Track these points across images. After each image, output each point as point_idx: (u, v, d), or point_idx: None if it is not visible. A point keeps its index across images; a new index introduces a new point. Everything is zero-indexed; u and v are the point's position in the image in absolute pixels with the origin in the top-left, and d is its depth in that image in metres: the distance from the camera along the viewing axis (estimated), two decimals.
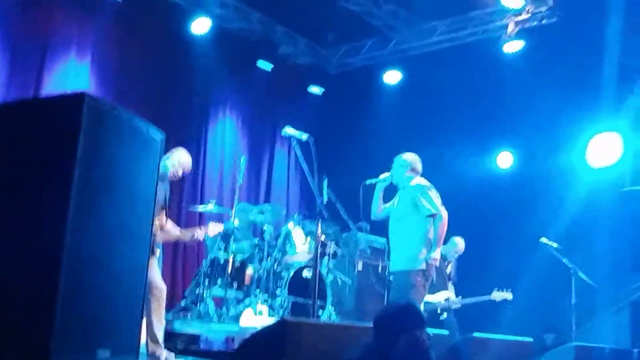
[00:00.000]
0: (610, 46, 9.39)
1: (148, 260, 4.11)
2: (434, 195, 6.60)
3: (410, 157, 6.91)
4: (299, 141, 6.09)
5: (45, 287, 3.28)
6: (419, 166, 6.90)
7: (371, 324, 3.81)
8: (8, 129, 3.70)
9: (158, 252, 6.10)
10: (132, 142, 3.92)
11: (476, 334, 5.90)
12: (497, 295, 8.95)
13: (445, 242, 9.12)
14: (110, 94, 9.39)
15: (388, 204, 6.91)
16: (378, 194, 6.91)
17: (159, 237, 6.05)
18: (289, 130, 6.00)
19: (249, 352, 3.95)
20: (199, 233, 6.56)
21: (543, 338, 10.06)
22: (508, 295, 8.97)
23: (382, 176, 6.89)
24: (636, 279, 9.96)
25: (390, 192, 7.03)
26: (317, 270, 5.48)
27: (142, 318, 4.03)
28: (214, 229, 6.71)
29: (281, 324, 3.98)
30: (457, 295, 9.23)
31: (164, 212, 6.16)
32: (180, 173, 6.28)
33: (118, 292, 3.74)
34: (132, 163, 3.91)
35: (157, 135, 4.17)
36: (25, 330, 3.29)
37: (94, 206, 3.57)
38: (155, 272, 5.91)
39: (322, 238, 8.75)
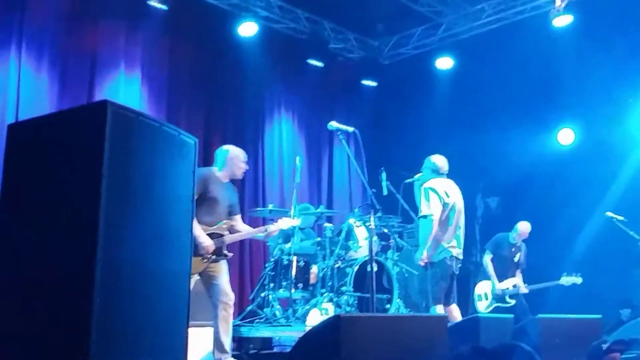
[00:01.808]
0: None
1: (190, 265, 4.11)
2: (434, 197, 6.83)
3: (435, 159, 7.18)
4: (347, 134, 6.14)
5: (79, 298, 3.32)
6: (443, 168, 7.15)
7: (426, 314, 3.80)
8: (37, 143, 3.77)
9: (230, 255, 6.16)
10: (163, 147, 3.92)
11: (541, 315, 5.83)
12: (566, 280, 8.83)
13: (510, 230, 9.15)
14: (162, 105, 9.57)
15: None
16: (418, 191, 7.16)
17: (228, 239, 6.13)
18: (334, 124, 6.03)
19: (305, 351, 3.99)
20: (272, 229, 6.54)
21: (619, 313, 9.89)
22: (577, 279, 8.83)
23: (417, 176, 7.25)
24: None
25: None
26: (372, 263, 5.49)
27: (188, 326, 4.05)
28: (287, 223, 6.72)
29: (335, 320, 4.00)
30: (525, 282, 9.12)
31: (233, 214, 6.28)
32: (236, 168, 6.30)
33: (159, 299, 3.76)
34: (165, 168, 3.92)
35: (190, 139, 4.18)
36: (62, 343, 3.33)
37: (127, 214, 3.61)
38: (224, 279, 6.01)
39: (385, 231, 8.79)
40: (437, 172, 7.06)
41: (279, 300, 8.17)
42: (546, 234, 9.77)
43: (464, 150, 11.62)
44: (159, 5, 9.15)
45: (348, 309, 7.66)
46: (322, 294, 7.89)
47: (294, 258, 8.16)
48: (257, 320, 8.04)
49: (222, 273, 6.05)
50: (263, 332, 7.51)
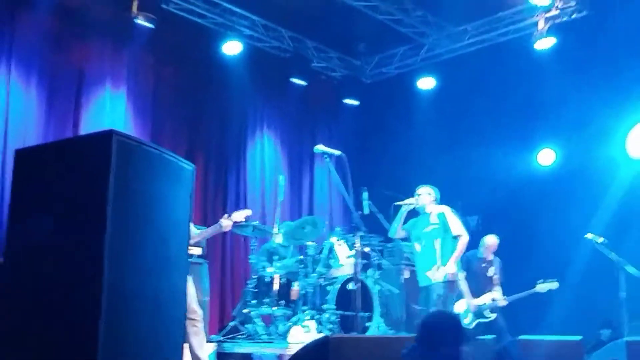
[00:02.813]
0: None
1: (186, 285, 4.19)
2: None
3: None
4: (332, 157, 6.17)
5: (86, 323, 3.38)
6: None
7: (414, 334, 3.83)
8: (42, 171, 3.83)
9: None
10: (163, 174, 4.01)
11: (522, 337, 5.87)
12: (542, 287, 8.85)
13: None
14: (147, 122, 9.62)
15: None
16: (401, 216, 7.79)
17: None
18: (321, 147, 6.08)
19: None
20: (226, 223, 6.63)
21: (599, 334, 9.95)
22: (553, 285, 8.85)
23: (409, 201, 7.77)
24: None
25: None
26: (359, 283, 5.51)
27: (183, 342, 4.12)
28: (239, 215, 6.79)
29: (323, 341, 4.02)
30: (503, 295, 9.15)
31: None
32: None
33: (159, 320, 3.83)
34: (164, 194, 4.01)
35: (187, 166, 4.27)
36: None
37: (131, 239, 3.68)
38: (190, 296, 6.02)
39: (367, 250, 8.84)
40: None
41: (261, 317, 8.20)
42: (525, 253, 9.84)
43: (444, 169, 11.74)
44: (145, 24, 9.18)
45: (330, 326, 7.68)
46: (303, 311, 7.91)
47: (277, 275, 8.20)
48: (238, 336, 8.09)
49: (187, 290, 6.08)
50: (245, 348, 7.57)
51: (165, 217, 4.00)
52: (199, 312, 6.10)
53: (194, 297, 6.13)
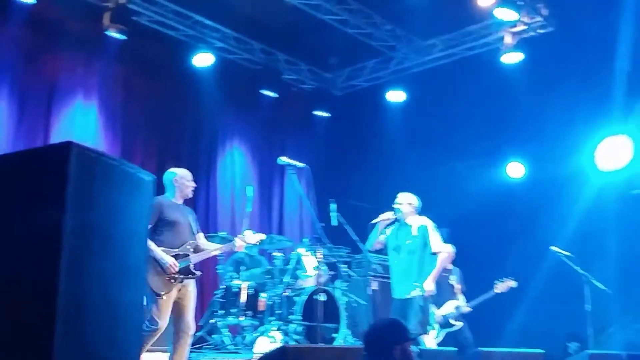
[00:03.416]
0: (617, 50, 9.46)
1: (144, 295, 4.21)
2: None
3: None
4: (296, 168, 6.24)
5: (42, 334, 3.37)
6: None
7: None
8: (1, 182, 3.82)
9: (198, 274, 6.31)
10: (122, 185, 4.02)
11: (482, 348, 5.93)
12: (501, 287, 8.93)
13: None
14: (117, 134, 9.65)
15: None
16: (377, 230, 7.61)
17: (194, 259, 6.25)
18: (284, 159, 6.13)
19: None
20: (239, 243, 6.62)
21: (567, 347, 10.05)
22: (511, 283, 8.93)
23: (385, 216, 7.54)
24: None
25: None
26: (322, 294, 5.55)
27: (141, 353, 4.13)
28: (253, 237, 6.75)
29: (281, 351, 4.06)
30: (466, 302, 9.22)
31: (196, 233, 6.39)
32: (185, 188, 6.41)
33: (117, 331, 3.84)
34: (124, 205, 4.02)
35: (147, 177, 4.27)
36: None
37: (88, 251, 3.68)
38: (190, 311, 6.18)
39: (334, 261, 8.90)
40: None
41: (228, 327, 8.28)
42: (494, 266, 9.92)
43: (414, 181, 11.79)
44: (117, 36, 9.18)
45: (296, 337, 7.71)
46: (270, 322, 7.94)
47: (244, 286, 8.24)
48: (205, 347, 8.09)
49: (190, 304, 6.22)
50: (211, 358, 7.54)
51: (124, 227, 4.00)
52: (193, 328, 6.23)
53: (192, 310, 6.23)
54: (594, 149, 10.43)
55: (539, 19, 9.86)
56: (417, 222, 7.43)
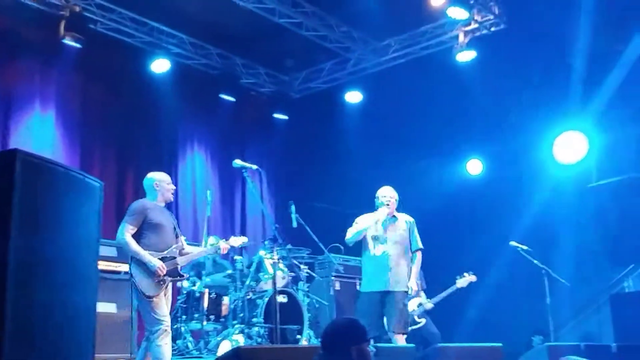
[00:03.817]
0: (567, 46, 9.65)
1: (96, 297, 4.22)
2: None
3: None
4: (250, 171, 6.29)
5: None
6: None
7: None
8: None
9: (185, 276, 6.36)
10: (70, 191, 4.02)
11: (441, 344, 6.01)
12: (462, 282, 9.01)
13: None
14: (76, 143, 9.58)
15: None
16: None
17: (181, 261, 6.29)
18: (239, 162, 6.18)
19: None
20: (223, 246, 6.73)
21: (531, 340, 10.19)
22: (472, 277, 9.03)
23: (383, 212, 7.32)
24: (612, 273, 10.17)
25: None
26: (278, 295, 5.59)
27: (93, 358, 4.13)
28: (237, 240, 6.89)
29: (235, 353, 4.08)
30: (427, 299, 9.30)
31: (178, 236, 6.41)
32: (166, 192, 6.44)
33: (69, 337, 3.83)
34: (71, 211, 4.03)
35: (95, 183, 4.29)
36: None
37: (36, 258, 3.67)
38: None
39: (295, 262, 8.94)
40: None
41: (191, 332, 8.24)
42: (455, 263, 10.03)
43: (374, 180, 11.87)
44: (73, 44, 9.15)
45: (259, 340, 7.72)
46: (233, 326, 7.95)
47: (206, 290, 8.25)
48: None
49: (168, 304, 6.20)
50: None
51: (72, 233, 4.00)
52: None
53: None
54: (551, 144, 10.62)
55: (490, 17, 10.03)
56: (403, 216, 7.45)
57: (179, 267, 6.23)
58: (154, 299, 5.93)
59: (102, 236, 7.77)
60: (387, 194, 7.42)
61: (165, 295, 6.13)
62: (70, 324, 3.88)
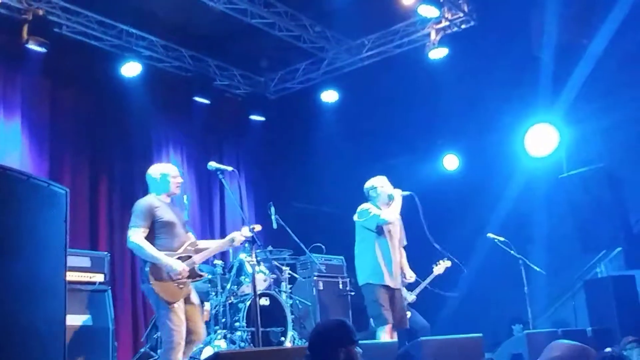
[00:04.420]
0: (535, 40, 9.77)
1: (65, 309, 4.08)
2: None
3: None
4: (226, 173, 6.22)
5: None
6: None
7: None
8: None
9: (204, 275, 6.05)
10: (33, 199, 3.91)
11: (423, 338, 6.03)
12: (439, 269, 8.98)
13: None
14: (44, 150, 9.32)
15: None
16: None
17: (198, 260, 6.00)
18: (213, 164, 6.09)
19: None
20: (238, 238, 6.28)
21: (512, 329, 10.30)
22: (447, 263, 9.00)
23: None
24: (586, 260, 10.39)
25: None
26: (262, 298, 5.52)
27: None
28: (247, 229, 6.39)
29: (214, 358, 4.03)
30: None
31: (189, 232, 6.15)
32: (172, 185, 6.13)
33: (36, 351, 3.72)
34: (34, 219, 3.90)
35: (60, 189, 4.18)
36: None
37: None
38: (197, 318, 5.88)
39: (276, 263, 8.90)
40: None
41: None
42: (434, 256, 10.07)
43: (354, 179, 11.90)
44: (37, 48, 8.91)
45: (242, 344, 7.66)
46: (215, 332, 7.87)
47: None
48: None
49: (196, 312, 5.95)
50: None
51: (36, 242, 3.88)
52: (203, 334, 6.02)
53: (200, 317, 6.00)
54: (523, 137, 10.78)
55: (460, 14, 10.11)
56: None
57: (196, 266, 5.93)
58: (174, 305, 5.63)
59: (75, 246, 7.83)
60: (385, 184, 7.29)
61: (194, 303, 5.87)
62: (37, 337, 3.76)
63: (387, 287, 7.02)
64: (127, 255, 9.91)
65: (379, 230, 7.09)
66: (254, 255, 5.60)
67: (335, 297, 9.76)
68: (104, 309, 7.55)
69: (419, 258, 9.52)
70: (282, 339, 8.14)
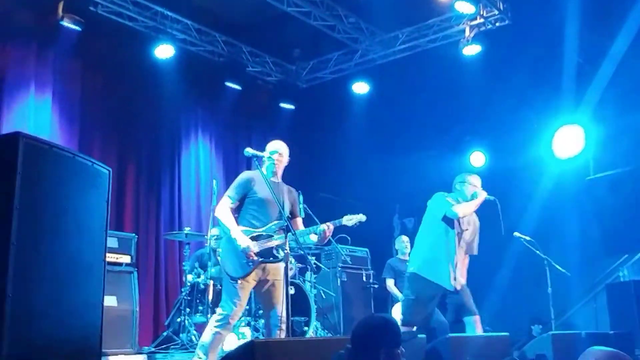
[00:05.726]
0: (567, 44, 9.66)
1: (103, 290, 4.07)
2: None
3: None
4: (261, 159, 6.18)
5: None
6: None
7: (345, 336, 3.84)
8: None
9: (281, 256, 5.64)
10: (76, 177, 3.87)
11: (452, 335, 5.99)
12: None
13: None
14: (75, 128, 9.32)
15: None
16: None
17: (276, 241, 5.70)
18: (250, 150, 6.04)
19: None
20: (332, 227, 5.95)
21: (531, 329, 10.24)
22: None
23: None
24: (609, 263, 10.39)
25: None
26: (288, 286, 5.42)
27: (101, 351, 4.01)
28: (353, 219, 6.02)
29: (249, 345, 3.99)
30: None
31: (292, 217, 5.98)
32: (277, 163, 6.10)
33: (75, 331, 3.71)
34: (78, 199, 3.87)
35: (103, 169, 4.14)
36: None
37: (39, 246, 3.54)
38: (278, 300, 5.60)
39: (302, 252, 8.87)
40: None
41: (195, 326, 8.08)
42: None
43: (380, 172, 11.96)
44: (72, 26, 8.94)
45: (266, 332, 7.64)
46: (239, 318, 7.85)
47: (211, 282, 8.12)
48: (172, 347, 7.94)
49: (277, 292, 5.67)
50: (179, 358, 7.42)
51: (78, 223, 3.85)
52: (282, 318, 5.54)
53: (281, 300, 5.60)
54: (551, 138, 10.69)
55: (495, 12, 10.05)
56: None
57: (273, 248, 5.65)
58: (239, 282, 5.43)
59: None
60: (477, 182, 6.80)
61: (273, 285, 5.61)
62: (75, 318, 3.74)
63: (439, 287, 6.53)
64: (151, 239, 9.95)
65: (448, 224, 6.59)
66: (287, 244, 5.50)
67: (359, 289, 9.75)
68: (129, 290, 7.55)
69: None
70: (306, 328, 8.12)
